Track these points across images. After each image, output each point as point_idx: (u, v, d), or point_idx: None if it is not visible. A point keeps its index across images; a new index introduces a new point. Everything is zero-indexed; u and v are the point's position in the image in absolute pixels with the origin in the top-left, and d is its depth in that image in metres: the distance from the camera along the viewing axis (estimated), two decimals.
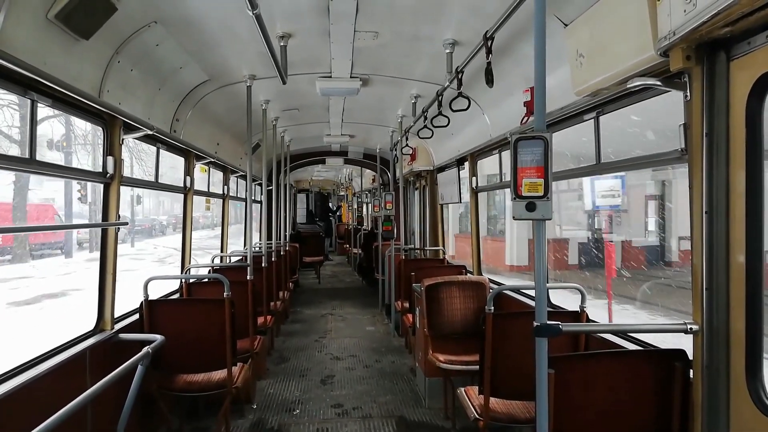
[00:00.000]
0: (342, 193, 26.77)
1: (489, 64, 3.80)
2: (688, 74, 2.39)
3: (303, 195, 24.73)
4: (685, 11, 2.13)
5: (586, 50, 3.09)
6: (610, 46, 2.85)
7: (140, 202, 31.33)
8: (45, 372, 3.12)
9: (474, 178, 6.83)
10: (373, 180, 16.22)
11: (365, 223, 20.98)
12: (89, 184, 21.44)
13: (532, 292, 4.92)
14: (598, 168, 3.85)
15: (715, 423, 2.28)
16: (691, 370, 2.48)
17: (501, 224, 20.37)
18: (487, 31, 3.68)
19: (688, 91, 2.41)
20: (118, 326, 4.18)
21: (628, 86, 2.76)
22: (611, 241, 16.13)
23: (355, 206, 23.46)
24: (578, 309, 3.96)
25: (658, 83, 2.56)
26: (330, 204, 27.93)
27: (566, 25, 3.32)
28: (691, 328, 2.37)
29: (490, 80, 3.84)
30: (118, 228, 4.17)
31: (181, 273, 6.04)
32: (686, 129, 2.50)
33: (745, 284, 2.18)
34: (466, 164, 7.04)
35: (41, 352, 3.33)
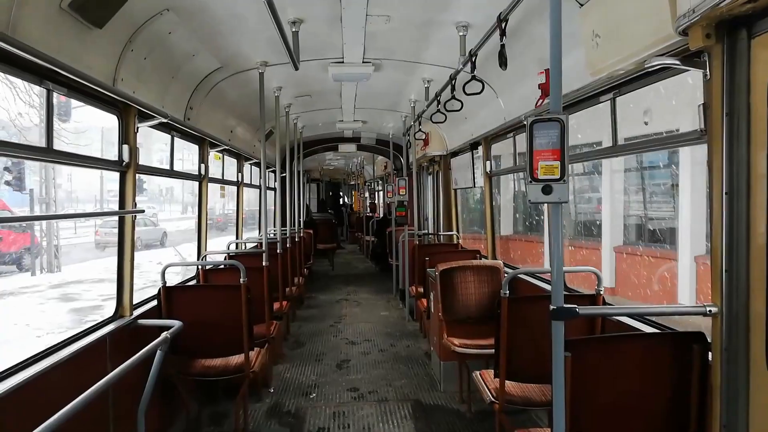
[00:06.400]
0: (353, 182, 26.75)
1: (503, 46, 3.76)
2: (707, 53, 2.33)
3: (314, 184, 24.64)
4: None
5: (602, 30, 3.04)
6: (627, 26, 2.80)
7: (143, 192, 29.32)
8: (67, 357, 3.18)
9: (488, 162, 6.78)
10: (385, 167, 16.16)
11: (378, 211, 20.95)
12: (29, 166, 18.99)
13: (547, 276, 4.90)
14: (615, 150, 3.81)
15: (735, 406, 2.26)
16: (710, 353, 2.46)
17: None
18: (500, 13, 3.63)
19: (707, 70, 2.35)
20: (136, 312, 4.25)
21: (646, 66, 2.71)
22: None
23: (367, 195, 23.41)
24: (594, 292, 3.94)
25: (677, 63, 2.51)
26: (341, 193, 27.93)
27: (581, 5, 3.26)
28: (710, 311, 2.34)
29: (503, 63, 3.81)
30: (135, 216, 4.21)
31: (198, 260, 6.10)
32: (706, 109, 2.46)
33: (765, 265, 2.15)
34: (480, 148, 6.99)
35: (61, 339, 3.40)
